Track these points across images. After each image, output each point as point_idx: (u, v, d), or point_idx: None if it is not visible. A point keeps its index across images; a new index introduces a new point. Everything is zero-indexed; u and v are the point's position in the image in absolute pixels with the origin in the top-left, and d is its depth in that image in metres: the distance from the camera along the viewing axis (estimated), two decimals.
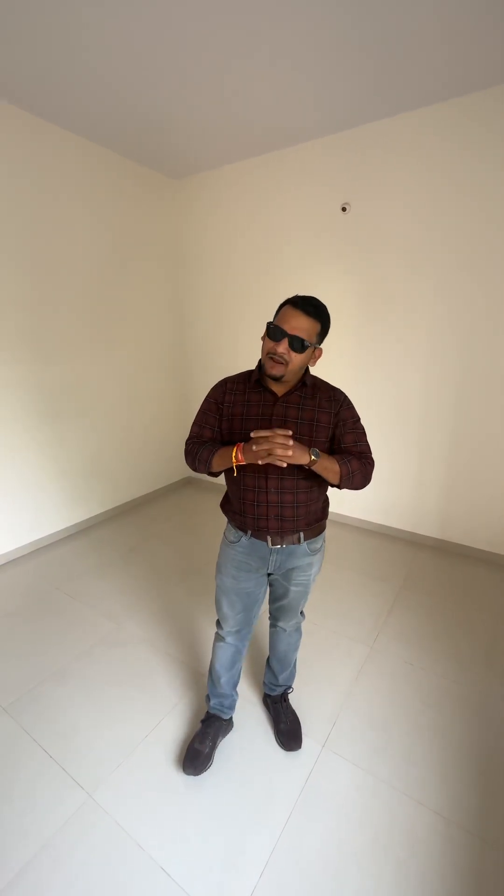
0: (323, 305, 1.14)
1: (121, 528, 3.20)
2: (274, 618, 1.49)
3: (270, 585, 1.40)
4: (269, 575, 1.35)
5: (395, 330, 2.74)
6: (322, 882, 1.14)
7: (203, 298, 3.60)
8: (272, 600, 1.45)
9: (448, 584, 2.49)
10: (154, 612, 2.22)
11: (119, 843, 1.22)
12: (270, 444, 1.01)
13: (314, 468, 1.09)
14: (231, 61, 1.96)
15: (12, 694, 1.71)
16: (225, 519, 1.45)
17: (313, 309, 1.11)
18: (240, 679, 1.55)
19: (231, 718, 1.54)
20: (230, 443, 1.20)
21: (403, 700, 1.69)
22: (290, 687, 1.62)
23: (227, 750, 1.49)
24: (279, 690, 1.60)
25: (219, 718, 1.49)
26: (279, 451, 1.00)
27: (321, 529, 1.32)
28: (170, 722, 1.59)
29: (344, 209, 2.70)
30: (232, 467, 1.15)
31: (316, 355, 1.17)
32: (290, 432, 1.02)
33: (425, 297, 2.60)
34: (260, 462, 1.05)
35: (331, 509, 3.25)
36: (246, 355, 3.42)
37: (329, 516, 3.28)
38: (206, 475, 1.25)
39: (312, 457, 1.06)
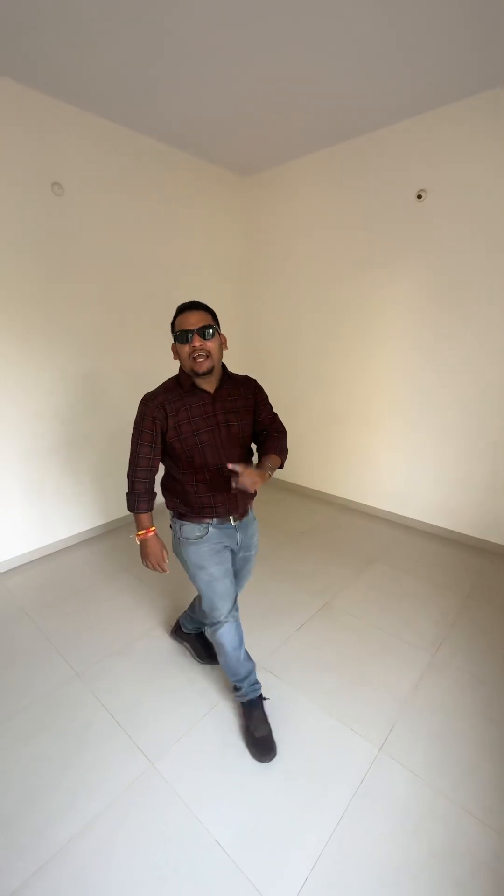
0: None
1: None
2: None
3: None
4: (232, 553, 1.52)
5: (472, 323, 2.57)
6: (374, 887, 1.12)
7: (270, 294, 3.59)
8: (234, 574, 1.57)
9: None
10: None
11: (178, 812, 1.29)
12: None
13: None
14: (302, 48, 1.94)
15: (83, 663, 1.86)
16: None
17: (199, 304, 1.31)
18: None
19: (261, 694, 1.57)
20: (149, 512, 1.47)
21: (466, 714, 1.61)
22: (261, 694, 1.58)
23: (284, 738, 1.51)
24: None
25: (257, 699, 1.53)
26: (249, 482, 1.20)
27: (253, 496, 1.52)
28: (225, 705, 1.65)
29: (420, 196, 2.56)
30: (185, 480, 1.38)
31: (223, 340, 1.34)
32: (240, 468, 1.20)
33: None
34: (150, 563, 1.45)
35: (394, 510, 3.17)
36: (310, 351, 3.39)
37: (392, 518, 3.18)
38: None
39: (268, 473, 1.27)
